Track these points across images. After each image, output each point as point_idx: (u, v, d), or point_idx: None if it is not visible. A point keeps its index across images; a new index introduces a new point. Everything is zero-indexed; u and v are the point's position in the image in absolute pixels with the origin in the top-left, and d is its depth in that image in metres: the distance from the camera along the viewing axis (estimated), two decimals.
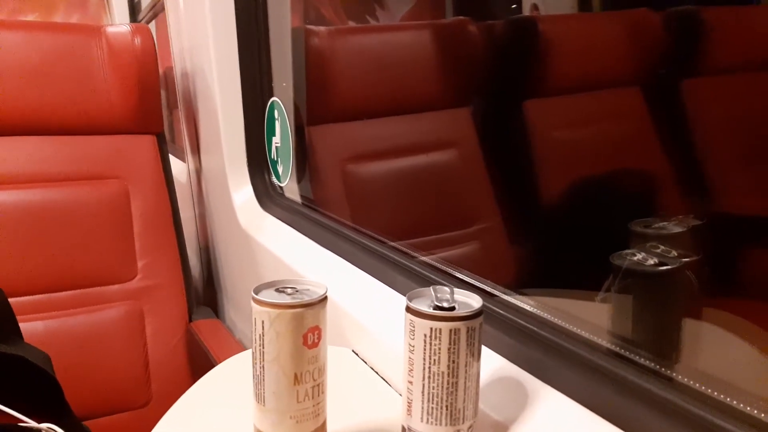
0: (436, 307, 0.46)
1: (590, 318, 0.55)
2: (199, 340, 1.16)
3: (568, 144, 0.76)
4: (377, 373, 0.68)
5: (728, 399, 0.42)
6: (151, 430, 0.59)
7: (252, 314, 0.48)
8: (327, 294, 0.49)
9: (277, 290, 0.50)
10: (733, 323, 0.48)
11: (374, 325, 0.72)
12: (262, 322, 0.47)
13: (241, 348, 1.15)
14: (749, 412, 0.41)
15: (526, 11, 0.79)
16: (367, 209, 1.05)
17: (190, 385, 0.67)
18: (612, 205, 0.64)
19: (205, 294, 1.52)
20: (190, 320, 1.25)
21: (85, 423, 0.88)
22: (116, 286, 1.20)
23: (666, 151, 0.63)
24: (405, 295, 0.48)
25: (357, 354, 0.73)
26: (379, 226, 0.92)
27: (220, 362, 0.73)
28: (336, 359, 0.70)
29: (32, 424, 0.68)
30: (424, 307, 0.46)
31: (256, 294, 0.48)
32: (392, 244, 0.85)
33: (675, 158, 0.62)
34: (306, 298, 0.48)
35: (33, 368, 0.76)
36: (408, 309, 0.47)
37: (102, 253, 1.20)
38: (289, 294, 0.49)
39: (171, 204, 1.30)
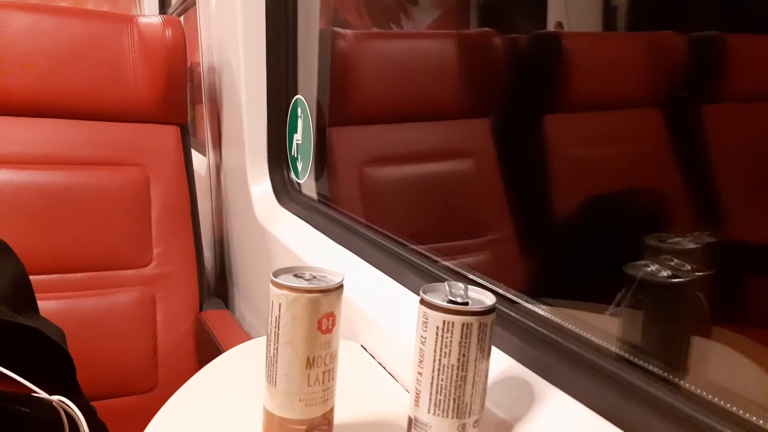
0: (450, 301, 0.47)
1: (601, 325, 0.55)
2: (209, 329, 1.17)
3: (585, 161, 0.77)
4: (384, 368, 0.69)
5: (734, 408, 0.43)
6: (155, 415, 0.60)
7: (269, 297, 0.49)
8: (343, 282, 0.50)
9: (296, 275, 0.51)
10: (740, 339, 0.48)
11: (384, 321, 0.73)
12: (279, 304, 0.48)
13: (250, 339, 1.16)
14: (754, 422, 0.41)
15: (551, 27, 0.80)
16: (382, 212, 1.06)
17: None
18: (628, 222, 0.65)
19: (216, 286, 1.53)
20: (201, 310, 1.27)
21: (91, 404, 0.89)
22: (130, 271, 1.21)
23: (682, 172, 0.64)
24: (416, 293, 0.49)
25: (366, 349, 0.74)
26: (392, 231, 0.93)
27: None
28: (345, 353, 0.71)
29: (44, 395, 0.69)
30: (439, 300, 0.47)
31: (275, 277, 0.49)
32: (405, 242, 0.86)
33: (691, 179, 0.63)
34: (323, 284, 0.49)
35: (47, 341, 0.78)
36: (422, 301, 0.48)
37: (119, 237, 1.21)
38: (307, 280, 0.50)
39: (190, 194, 1.31)
